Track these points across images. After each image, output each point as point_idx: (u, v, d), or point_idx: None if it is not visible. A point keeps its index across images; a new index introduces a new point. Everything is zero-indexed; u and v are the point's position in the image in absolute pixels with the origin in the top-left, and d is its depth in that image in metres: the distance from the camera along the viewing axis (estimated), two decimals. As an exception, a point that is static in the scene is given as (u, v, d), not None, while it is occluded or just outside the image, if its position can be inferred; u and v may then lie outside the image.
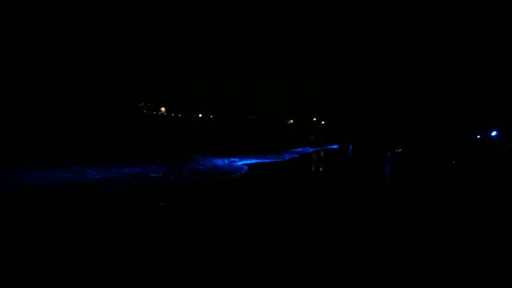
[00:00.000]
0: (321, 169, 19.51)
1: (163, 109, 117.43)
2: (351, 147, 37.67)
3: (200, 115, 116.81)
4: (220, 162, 16.85)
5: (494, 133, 45.41)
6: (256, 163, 17.89)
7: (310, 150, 32.41)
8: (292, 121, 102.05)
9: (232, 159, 18.00)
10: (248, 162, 17.96)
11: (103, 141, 22.58)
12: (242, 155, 20.22)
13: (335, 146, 39.93)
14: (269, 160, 20.16)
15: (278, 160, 21.11)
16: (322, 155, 28.49)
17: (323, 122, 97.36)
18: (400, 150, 23.84)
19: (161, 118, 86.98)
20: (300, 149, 30.59)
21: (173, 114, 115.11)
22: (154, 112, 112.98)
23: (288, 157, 23.70)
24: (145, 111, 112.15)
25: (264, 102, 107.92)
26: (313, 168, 19.52)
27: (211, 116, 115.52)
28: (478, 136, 47.85)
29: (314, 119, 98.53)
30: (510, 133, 44.82)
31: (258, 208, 8.26)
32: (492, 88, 58.47)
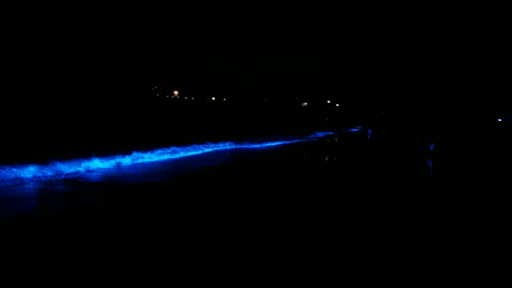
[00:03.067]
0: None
1: (176, 92, 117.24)
2: (370, 132, 32.90)
3: (213, 98, 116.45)
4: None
5: None
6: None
7: (330, 133, 32.12)
8: (306, 104, 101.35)
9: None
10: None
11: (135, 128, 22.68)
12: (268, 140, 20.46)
13: (355, 130, 38.50)
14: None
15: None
16: (345, 140, 27.93)
17: (337, 105, 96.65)
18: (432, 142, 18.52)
19: (179, 102, 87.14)
20: (322, 133, 30.36)
21: (186, 98, 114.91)
22: (167, 96, 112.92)
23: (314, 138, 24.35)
24: (157, 94, 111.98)
25: (276, 85, 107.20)
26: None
27: (224, 99, 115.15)
28: (500, 120, 45.64)
29: (329, 101, 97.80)
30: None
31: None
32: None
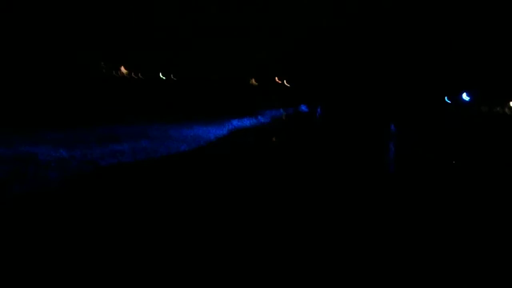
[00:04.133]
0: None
1: (124, 70, 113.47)
2: (319, 111, 33.38)
3: (163, 77, 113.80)
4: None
5: (466, 97, 41.49)
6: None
7: (279, 112, 32.99)
8: (256, 83, 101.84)
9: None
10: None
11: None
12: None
13: (304, 108, 38.98)
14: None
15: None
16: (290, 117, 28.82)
17: (288, 85, 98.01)
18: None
19: (126, 81, 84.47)
20: (271, 111, 31.08)
21: (133, 75, 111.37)
22: (114, 73, 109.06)
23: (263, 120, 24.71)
24: (104, 71, 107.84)
25: (227, 64, 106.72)
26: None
27: (174, 78, 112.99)
28: (449, 101, 44.84)
29: (279, 81, 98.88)
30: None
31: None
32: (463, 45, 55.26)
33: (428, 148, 16.59)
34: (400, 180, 10.42)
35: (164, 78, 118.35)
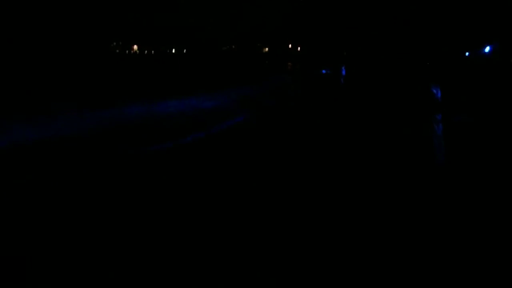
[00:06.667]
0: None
1: (135, 47, 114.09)
2: (344, 72, 24.94)
3: (173, 51, 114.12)
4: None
5: (487, 49, 40.63)
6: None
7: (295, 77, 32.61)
8: (267, 49, 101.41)
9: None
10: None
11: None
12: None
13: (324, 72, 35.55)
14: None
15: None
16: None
17: (298, 49, 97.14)
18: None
19: (139, 57, 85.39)
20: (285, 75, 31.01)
21: (146, 52, 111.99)
22: (127, 51, 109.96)
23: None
24: (117, 50, 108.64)
25: (235, 32, 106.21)
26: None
27: (185, 51, 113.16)
28: (467, 54, 42.24)
29: (290, 46, 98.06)
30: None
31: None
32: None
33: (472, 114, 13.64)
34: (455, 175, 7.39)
35: (174, 51, 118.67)
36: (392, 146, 10.10)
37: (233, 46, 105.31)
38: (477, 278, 4.21)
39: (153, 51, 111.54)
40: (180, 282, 4.09)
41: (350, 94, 19.13)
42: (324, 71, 34.35)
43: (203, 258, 4.53)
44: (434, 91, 10.33)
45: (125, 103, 16.73)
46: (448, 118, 10.49)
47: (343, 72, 24.59)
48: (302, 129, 12.48)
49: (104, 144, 9.70)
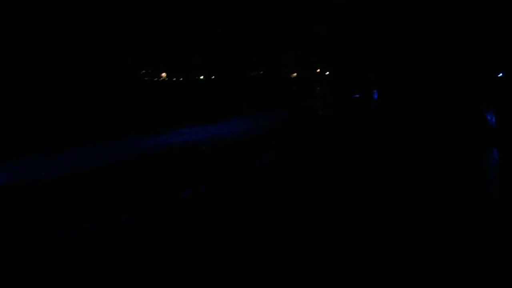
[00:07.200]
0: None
1: (164, 74, 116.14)
2: (376, 96, 25.28)
3: (201, 77, 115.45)
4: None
5: None
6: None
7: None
8: (295, 74, 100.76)
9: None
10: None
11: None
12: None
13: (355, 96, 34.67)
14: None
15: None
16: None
17: (327, 73, 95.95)
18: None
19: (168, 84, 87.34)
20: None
21: (174, 79, 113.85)
22: (155, 79, 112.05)
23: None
24: (146, 78, 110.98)
25: (263, 59, 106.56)
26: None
27: (213, 77, 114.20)
28: (500, 75, 39.37)
29: (318, 70, 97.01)
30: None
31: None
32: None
33: None
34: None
35: (202, 78, 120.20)
36: (440, 177, 8.09)
37: (261, 72, 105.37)
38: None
39: (181, 78, 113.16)
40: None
41: (387, 120, 17.17)
42: (356, 95, 33.45)
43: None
44: (488, 117, 9.69)
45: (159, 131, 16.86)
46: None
47: (375, 96, 23.54)
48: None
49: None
